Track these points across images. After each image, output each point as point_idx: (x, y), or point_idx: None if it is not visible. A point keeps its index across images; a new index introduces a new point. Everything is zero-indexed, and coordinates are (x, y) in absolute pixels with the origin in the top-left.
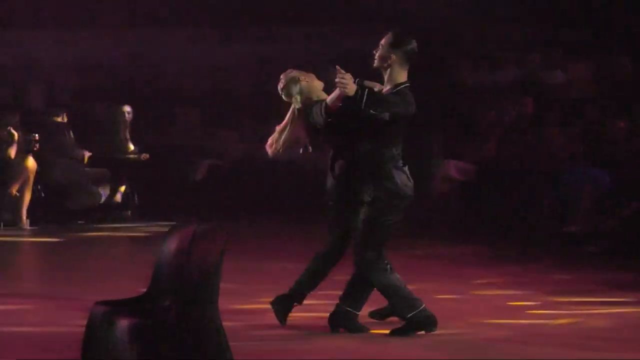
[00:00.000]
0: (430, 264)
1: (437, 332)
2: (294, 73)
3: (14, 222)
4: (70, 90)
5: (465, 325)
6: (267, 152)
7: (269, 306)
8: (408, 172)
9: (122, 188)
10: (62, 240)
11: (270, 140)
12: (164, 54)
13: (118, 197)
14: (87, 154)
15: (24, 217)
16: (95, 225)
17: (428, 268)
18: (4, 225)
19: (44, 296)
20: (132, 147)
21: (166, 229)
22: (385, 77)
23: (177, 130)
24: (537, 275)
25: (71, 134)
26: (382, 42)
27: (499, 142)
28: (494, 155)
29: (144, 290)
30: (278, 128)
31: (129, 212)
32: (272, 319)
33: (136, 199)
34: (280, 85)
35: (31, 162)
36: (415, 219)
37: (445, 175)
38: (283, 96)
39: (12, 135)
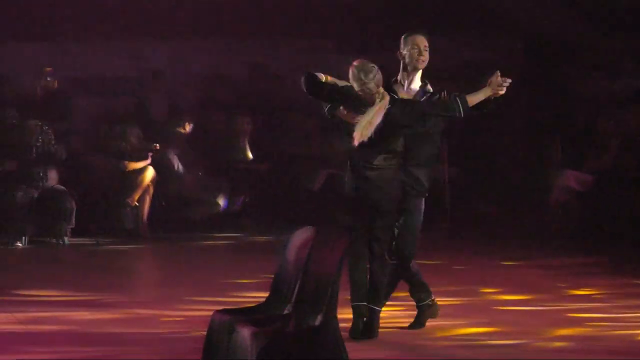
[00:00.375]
0: (548, 275)
1: None
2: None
3: (135, 232)
4: (190, 101)
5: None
6: None
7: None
8: None
9: (241, 198)
10: (181, 248)
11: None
12: (282, 64)
13: (237, 207)
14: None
15: (144, 227)
16: (214, 235)
17: (546, 279)
18: (123, 236)
19: (165, 300)
20: (251, 156)
21: (285, 238)
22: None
23: (296, 139)
24: None
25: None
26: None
27: (617, 152)
28: (612, 165)
29: (264, 298)
30: (362, 119)
31: (248, 221)
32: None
33: (255, 208)
34: (362, 76)
35: (151, 172)
36: (533, 229)
37: (564, 186)
38: (361, 86)
39: (134, 145)
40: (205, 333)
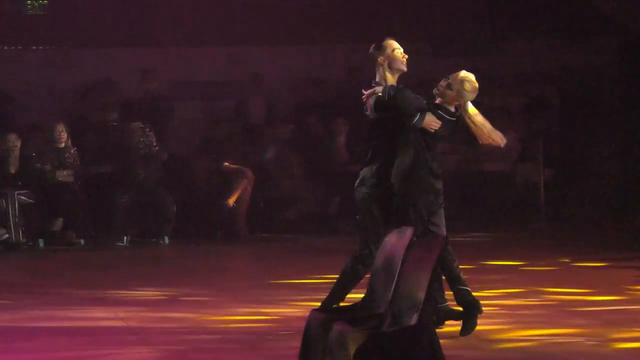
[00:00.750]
0: None
1: None
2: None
3: (233, 232)
4: (288, 104)
5: None
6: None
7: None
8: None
9: (337, 199)
10: (278, 249)
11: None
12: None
13: (333, 208)
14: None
15: (243, 227)
16: (310, 235)
17: None
18: (222, 236)
19: (263, 299)
20: (347, 158)
21: (382, 239)
22: None
23: None
24: None
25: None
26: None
27: None
28: None
29: (361, 298)
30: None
31: (344, 223)
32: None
33: (350, 209)
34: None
35: (249, 174)
36: (630, 231)
37: None
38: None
39: (233, 147)
40: (302, 332)
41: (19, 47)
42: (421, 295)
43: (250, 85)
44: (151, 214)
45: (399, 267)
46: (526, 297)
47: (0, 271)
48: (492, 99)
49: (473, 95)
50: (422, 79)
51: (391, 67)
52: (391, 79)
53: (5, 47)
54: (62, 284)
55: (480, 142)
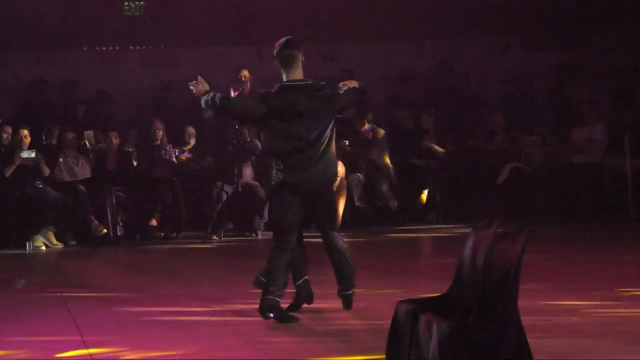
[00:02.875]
0: None
1: None
2: None
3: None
4: (379, 99)
5: None
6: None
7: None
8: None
9: (426, 191)
10: (371, 242)
11: None
12: (468, 62)
13: (422, 200)
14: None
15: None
16: (399, 227)
17: None
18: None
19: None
20: (438, 150)
21: (469, 231)
22: None
23: (481, 134)
24: None
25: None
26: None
27: None
28: None
29: (447, 289)
30: None
31: (434, 214)
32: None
33: (440, 201)
34: None
35: (341, 168)
36: None
37: None
38: None
39: None
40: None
41: (117, 48)
42: (507, 286)
43: (339, 80)
44: (245, 208)
45: (484, 259)
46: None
47: (97, 266)
48: (580, 91)
49: None
50: (512, 71)
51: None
52: None
53: (104, 48)
54: (157, 278)
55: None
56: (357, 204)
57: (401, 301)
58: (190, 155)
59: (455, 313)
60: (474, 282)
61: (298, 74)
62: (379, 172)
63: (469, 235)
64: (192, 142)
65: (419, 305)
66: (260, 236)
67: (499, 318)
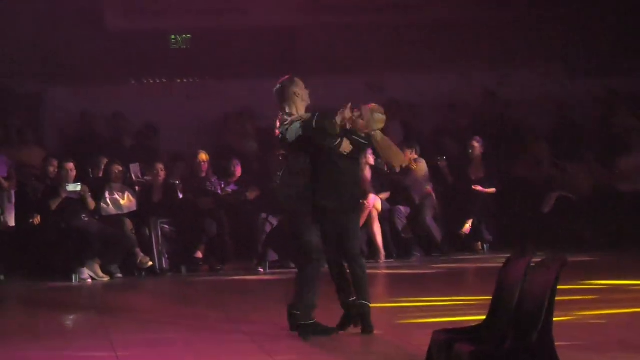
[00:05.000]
0: None
1: None
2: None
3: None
4: (426, 127)
5: None
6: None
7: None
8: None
9: (470, 220)
10: (414, 270)
11: None
12: (514, 90)
13: (467, 229)
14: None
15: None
16: (445, 257)
17: None
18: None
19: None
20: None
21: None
22: None
23: (527, 163)
24: None
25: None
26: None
27: None
28: None
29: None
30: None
31: (479, 244)
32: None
33: (486, 230)
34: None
35: (373, 198)
36: None
37: None
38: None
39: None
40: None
41: (164, 80)
42: (541, 314)
43: (388, 110)
44: (289, 240)
45: (519, 287)
46: None
47: (144, 297)
48: (627, 119)
49: (381, 125)
50: (557, 99)
51: (303, 100)
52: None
53: (152, 81)
54: (201, 310)
55: (385, 162)
56: (402, 235)
57: (437, 331)
58: (235, 188)
59: (491, 342)
60: (509, 311)
61: None
62: (424, 203)
63: (505, 265)
64: (238, 174)
65: (455, 335)
66: None
67: (533, 345)
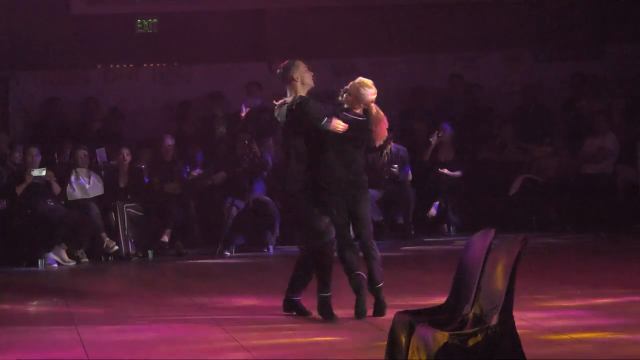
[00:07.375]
0: None
1: None
2: None
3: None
4: (394, 111)
5: None
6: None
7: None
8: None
9: (436, 203)
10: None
11: None
12: (480, 74)
13: (433, 212)
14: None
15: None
16: (414, 240)
17: None
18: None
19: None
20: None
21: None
22: None
23: (493, 146)
24: None
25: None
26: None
27: None
28: None
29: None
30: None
31: (445, 226)
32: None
33: (452, 213)
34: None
35: None
36: None
37: None
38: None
39: None
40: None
41: (131, 65)
42: (501, 296)
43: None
44: (256, 223)
45: (480, 268)
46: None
47: (109, 282)
48: (593, 101)
49: (372, 97)
50: (524, 84)
51: (303, 84)
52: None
53: (117, 66)
54: (167, 294)
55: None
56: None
57: (399, 312)
58: (201, 172)
59: (451, 323)
60: (470, 291)
61: None
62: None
63: (466, 246)
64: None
65: (416, 317)
66: (272, 251)
67: (494, 327)
